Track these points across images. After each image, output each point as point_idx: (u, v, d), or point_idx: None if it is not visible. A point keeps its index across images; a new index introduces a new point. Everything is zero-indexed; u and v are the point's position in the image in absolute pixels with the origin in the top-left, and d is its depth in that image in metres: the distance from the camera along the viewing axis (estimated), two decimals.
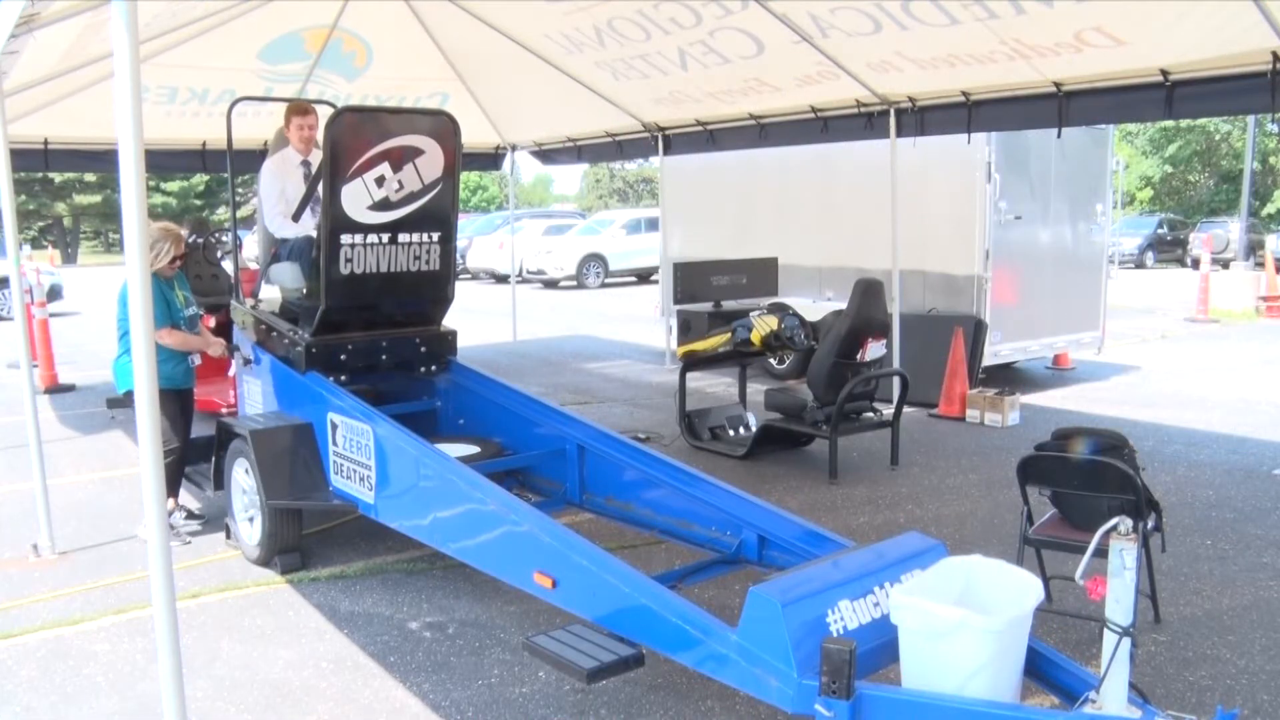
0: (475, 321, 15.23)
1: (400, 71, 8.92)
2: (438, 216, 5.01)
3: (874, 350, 6.77)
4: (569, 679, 3.62)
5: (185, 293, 5.54)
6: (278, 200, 5.48)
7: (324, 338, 4.98)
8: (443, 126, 4.88)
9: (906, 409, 7.42)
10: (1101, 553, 2.42)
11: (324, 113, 5.25)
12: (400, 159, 4.75)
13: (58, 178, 39.11)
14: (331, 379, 4.88)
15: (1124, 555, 2.33)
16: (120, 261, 5.51)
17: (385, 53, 8.55)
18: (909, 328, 8.52)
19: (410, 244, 4.95)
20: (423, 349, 5.35)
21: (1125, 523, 2.36)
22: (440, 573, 4.91)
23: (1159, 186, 36.53)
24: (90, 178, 39.38)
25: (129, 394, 5.45)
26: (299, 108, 5.63)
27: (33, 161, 9.19)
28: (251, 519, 5.03)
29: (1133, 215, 32.70)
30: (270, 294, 5.85)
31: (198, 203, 43.50)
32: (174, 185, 41.74)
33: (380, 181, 4.72)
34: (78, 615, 4.43)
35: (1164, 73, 5.74)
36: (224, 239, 9.70)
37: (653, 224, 21.79)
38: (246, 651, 4.09)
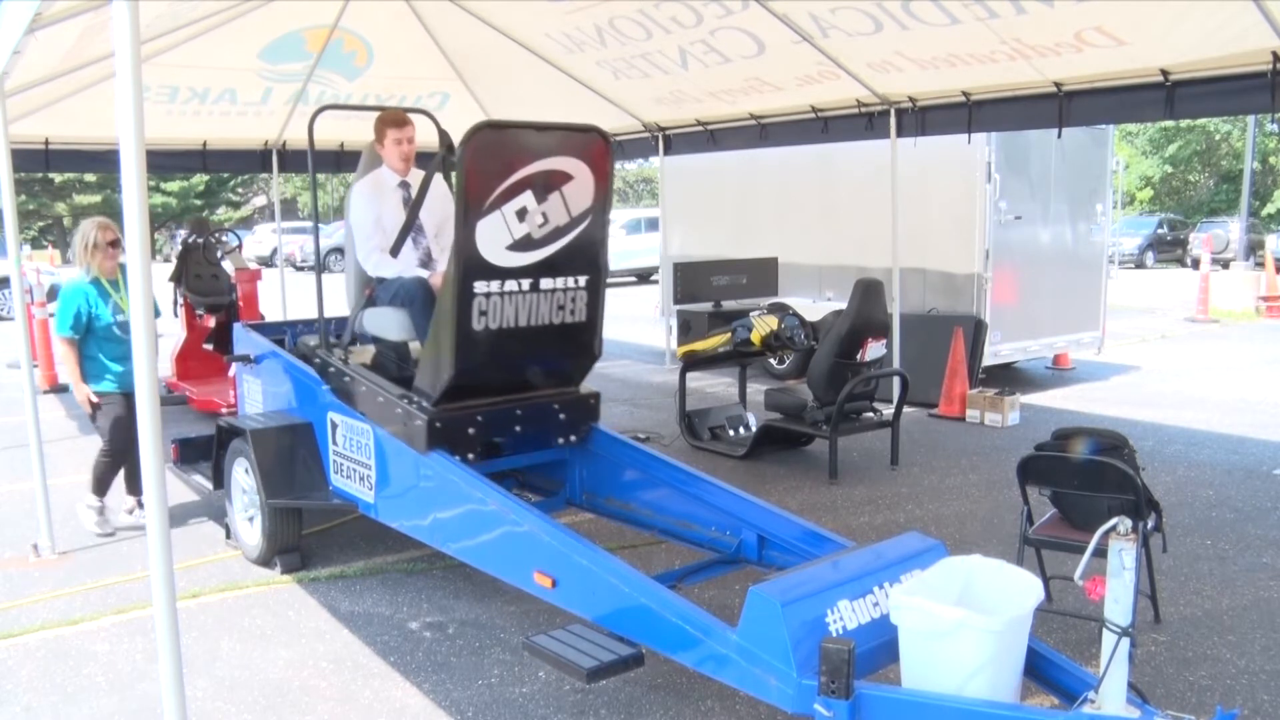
0: None
1: (401, 71, 8.91)
2: (586, 256, 4.14)
3: (874, 350, 6.77)
4: (569, 679, 3.62)
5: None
6: (373, 231, 4.64)
7: (448, 408, 4.08)
8: (595, 146, 4.00)
9: (906, 409, 7.42)
10: (1101, 553, 2.42)
11: (415, 120, 4.79)
12: (545, 186, 3.89)
13: (58, 178, 39.10)
14: (458, 458, 4.03)
15: (1123, 555, 2.34)
16: (120, 261, 5.45)
17: (386, 52, 8.54)
18: (909, 328, 8.52)
19: (554, 291, 4.08)
20: (562, 416, 4.46)
21: (1124, 523, 2.36)
22: (440, 573, 4.91)
23: (1159, 186, 36.51)
24: (90, 178, 39.36)
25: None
26: (394, 118, 4.75)
27: (33, 161, 9.19)
28: (251, 519, 5.04)
29: (1133, 215, 32.68)
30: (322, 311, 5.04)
31: (198, 203, 43.46)
32: (174, 185, 41.69)
33: (522, 215, 3.85)
34: (78, 615, 4.44)
35: (1164, 73, 5.74)
36: (224, 239, 9.72)
37: (653, 224, 21.77)
38: (246, 651, 4.09)
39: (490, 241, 3.81)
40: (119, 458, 5.44)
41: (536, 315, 4.07)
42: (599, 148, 4.01)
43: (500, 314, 3.94)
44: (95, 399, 5.31)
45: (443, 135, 4.63)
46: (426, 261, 4.77)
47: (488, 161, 3.73)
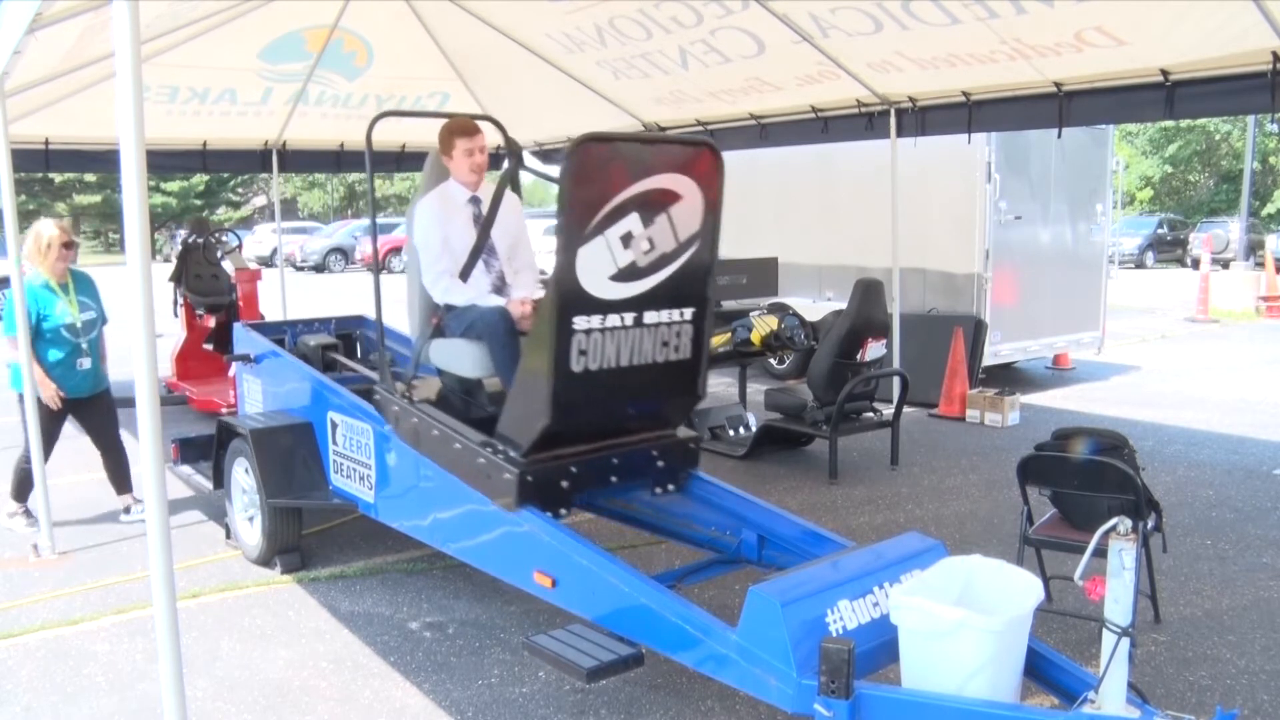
0: None
1: (401, 71, 8.91)
2: (693, 286, 3.67)
3: (874, 350, 6.77)
4: (569, 679, 3.62)
5: (84, 298, 5.43)
6: (441, 253, 4.18)
7: (538, 458, 3.62)
8: (704, 162, 3.54)
9: (906, 409, 7.42)
10: (1101, 553, 2.42)
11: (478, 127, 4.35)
12: (652, 208, 3.42)
13: (58, 178, 39.11)
14: (550, 514, 3.60)
15: (1123, 555, 2.34)
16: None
17: (386, 52, 8.54)
18: (909, 328, 8.52)
19: (658, 325, 3.62)
20: (660, 463, 4.02)
21: (1124, 523, 2.36)
22: (440, 573, 4.91)
23: (1159, 186, 36.52)
24: (90, 178, 39.37)
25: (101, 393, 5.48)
26: (463, 126, 4.27)
27: (33, 162, 9.17)
28: (251, 518, 5.04)
29: (1133, 215, 32.70)
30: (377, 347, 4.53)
31: (198, 203, 43.48)
32: (174, 185, 41.72)
33: (627, 240, 3.38)
34: (78, 615, 4.44)
35: (1164, 73, 5.74)
36: (224, 239, 9.72)
37: None
38: (246, 651, 4.09)
39: (592, 271, 3.34)
40: (40, 465, 5.39)
41: (639, 353, 3.60)
42: (709, 164, 3.56)
43: (601, 353, 3.47)
44: (63, 395, 5.28)
45: (511, 144, 4.33)
46: (500, 287, 4.34)
47: (592, 179, 3.26)
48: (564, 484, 3.71)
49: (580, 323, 3.38)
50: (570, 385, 3.43)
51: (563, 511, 3.71)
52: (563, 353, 3.38)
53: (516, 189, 4.46)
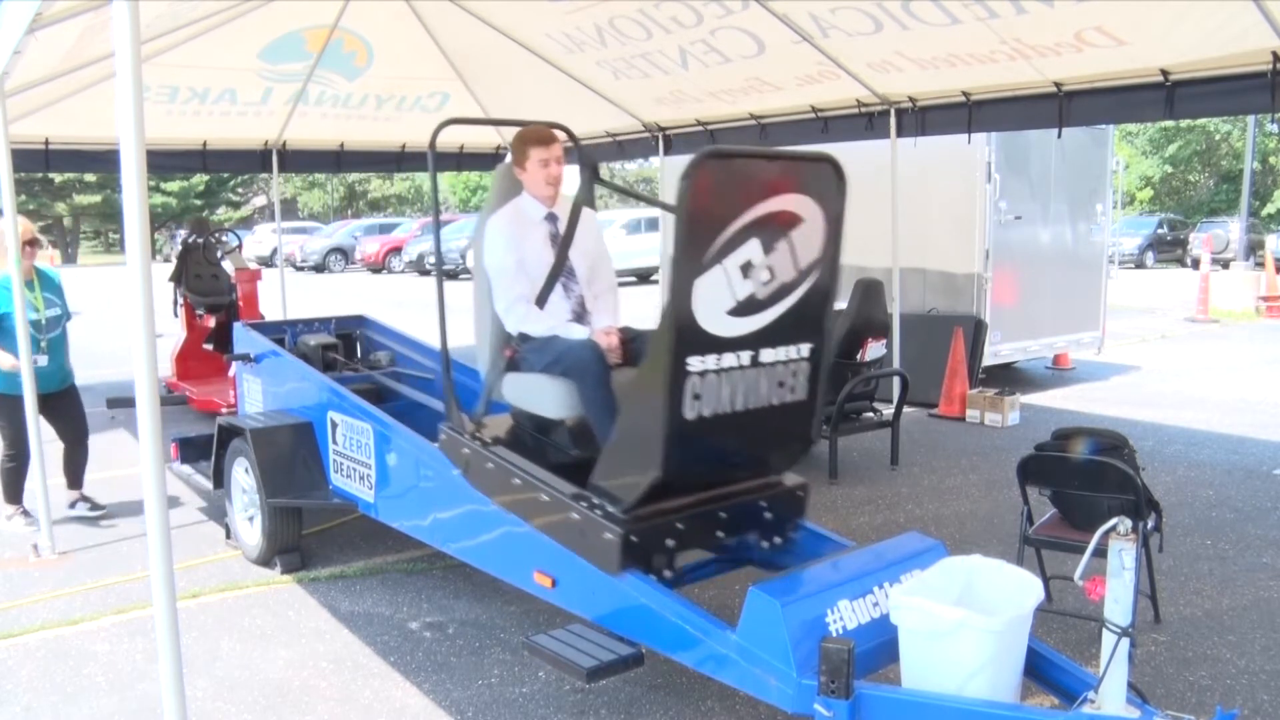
0: None
1: (401, 71, 8.91)
2: (812, 320, 3.26)
3: (874, 350, 6.77)
4: (569, 679, 3.62)
5: (49, 294, 5.48)
6: (516, 276, 3.77)
7: (641, 514, 3.22)
8: (828, 179, 3.13)
9: (906, 409, 7.42)
10: (1101, 553, 2.42)
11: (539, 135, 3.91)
12: (774, 232, 3.03)
13: (58, 178, 39.13)
14: (654, 577, 3.20)
15: (1123, 555, 2.34)
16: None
17: (386, 52, 8.55)
18: (909, 328, 8.52)
19: (775, 364, 3.21)
20: (768, 515, 3.62)
21: (1124, 523, 2.36)
22: (440, 573, 4.91)
23: (1159, 186, 36.53)
24: (90, 178, 39.40)
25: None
26: (538, 135, 3.83)
27: (33, 162, 9.19)
28: (251, 518, 5.04)
29: (1133, 215, 32.70)
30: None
31: (198, 203, 43.51)
32: (174, 185, 41.74)
33: (746, 269, 3.00)
34: (78, 615, 4.44)
35: (1164, 73, 5.74)
36: (224, 239, 9.72)
37: (653, 224, 21.80)
38: (246, 651, 4.09)
39: (709, 304, 2.95)
40: (23, 461, 5.44)
41: (755, 396, 3.20)
42: (833, 180, 3.14)
43: (716, 396, 3.07)
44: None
45: (584, 155, 4.03)
46: (581, 314, 3.93)
47: (713, 201, 2.88)
48: (670, 542, 3.31)
49: (695, 363, 2.97)
50: (683, 434, 3.05)
51: (667, 573, 3.33)
52: (676, 397, 2.97)
53: (591, 203, 4.12)
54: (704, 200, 2.85)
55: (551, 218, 3.88)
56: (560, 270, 3.82)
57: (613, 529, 3.16)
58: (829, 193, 3.12)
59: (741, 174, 2.97)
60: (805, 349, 3.28)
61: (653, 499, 3.19)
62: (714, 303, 2.95)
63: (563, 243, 3.82)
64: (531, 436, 3.89)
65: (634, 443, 3.15)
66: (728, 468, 3.45)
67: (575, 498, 3.32)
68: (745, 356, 3.09)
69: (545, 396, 3.71)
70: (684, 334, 2.92)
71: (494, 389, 3.92)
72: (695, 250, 2.88)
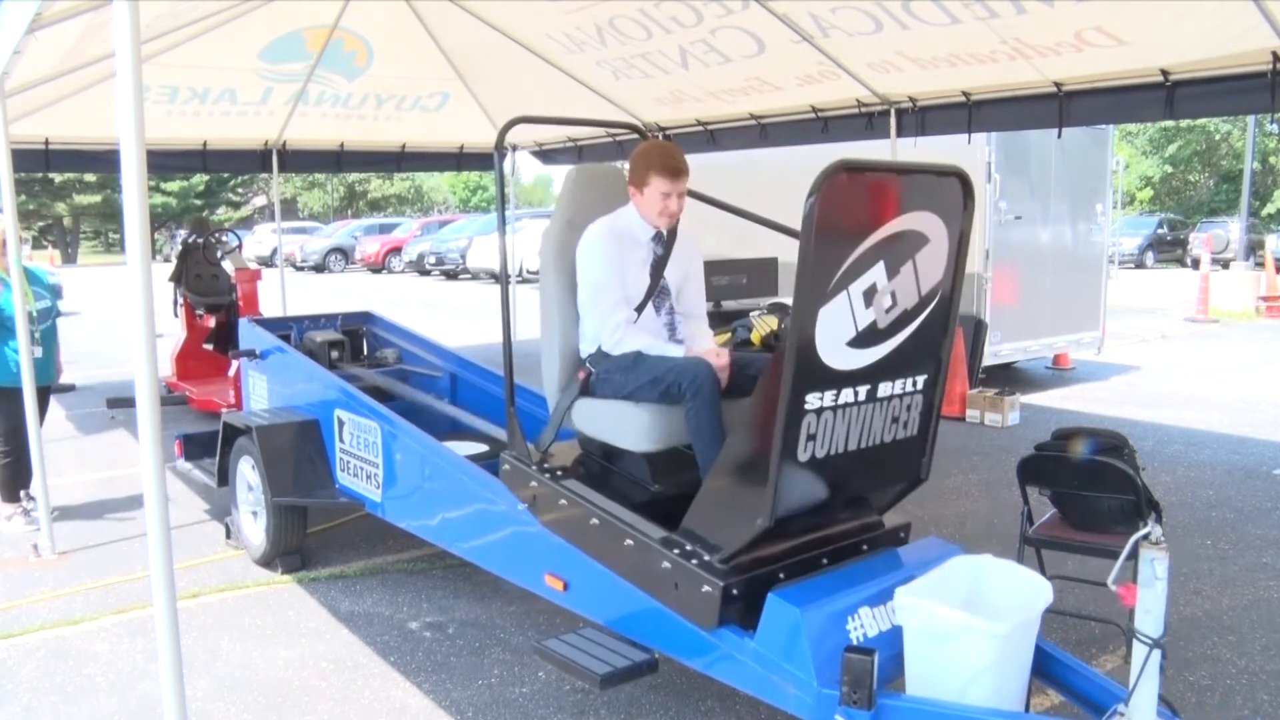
0: (476, 321, 15.24)
1: (401, 71, 8.91)
2: (930, 348, 3.03)
3: None
4: (569, 679, 3.62)
5: (38, 288, 5.47)
6: (619, 297, 3.48)
7: (740, 563, 2.90)
8: (954, 195, 2.92)
9: None
10: (1110, 553, 2.39)
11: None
12: (900, 254, 2.79)
13: (58, 178, 39.11)
14: (751, 633, 2.82)
15: (1155, 565, 2.26)
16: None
17: (386, 52, 8.55)
18: None
19: (890, 399, 2.95)
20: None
21: (1156, 530, 2.30)
22: (440, 573, 4.91)
23: (1159, 186, 36.54)
24: (90, 178, 39.38)
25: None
26: (668, 164, 3.46)
27: (33, 162, 9.18)
28: (256, 516, 5.03)
29: (1133, 215, 32.71)
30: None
31: (198, 202, 43.51)
32: (174, 185, 41.74)
33: (869, 296, 2.74)
34: (78, 615, 4.44)
35: (1164, 73, 5.74)
36: (224, 239, 9.72)
37: None
38: (246, 651, 4.09)
39: (830, 335, 2.68)
40: (20, 455, 5.43)
41: (869, 433, 2.93)
42: (960, 197, 2.91)
43: (830, 435, 2.80)
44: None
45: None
46: (672, 331, 3.66)
47: (844, 220, 2.64)
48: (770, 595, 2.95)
49: (812, 401, 2.70)
50: (797, 476, 2.78)
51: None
52: (792, 439, 2.70)
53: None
54: (833, 220, 2.60)
55: (658, 238, 3.59)
56: (655, 288, 3.57)
57: (711, 582, 2.85)
58: (955, 210, 2.90)
59: (873, 189, 2.74)
60: (920, 380, 3.04)
61: (753, 546, 2.91)
62: (836, 334, 2.70)
63: (659, 263, 3.57)
64: (603, 467, 3.56)
65: (739, 485, 2.89)
66: (832, 511, 3.17)
67: (665, 543, 3.01)
68: (862, 391, 2.83)
69: (629, 426, 3.37)
70: (803, 368, 2.65)
71: (564, 413, 3.58)
72: (822, 275, 2.63)
